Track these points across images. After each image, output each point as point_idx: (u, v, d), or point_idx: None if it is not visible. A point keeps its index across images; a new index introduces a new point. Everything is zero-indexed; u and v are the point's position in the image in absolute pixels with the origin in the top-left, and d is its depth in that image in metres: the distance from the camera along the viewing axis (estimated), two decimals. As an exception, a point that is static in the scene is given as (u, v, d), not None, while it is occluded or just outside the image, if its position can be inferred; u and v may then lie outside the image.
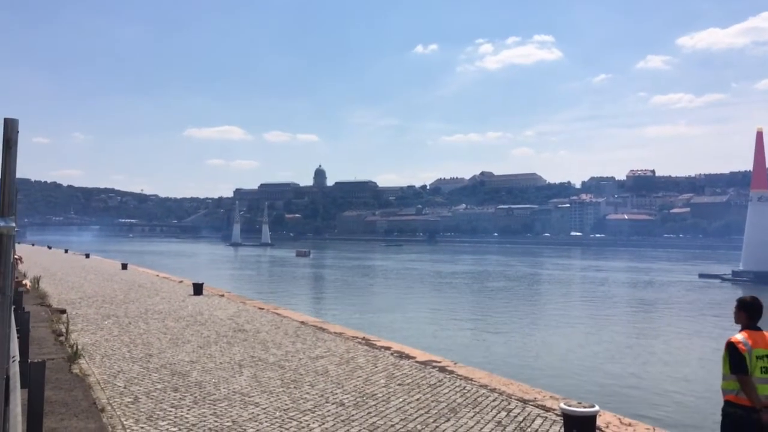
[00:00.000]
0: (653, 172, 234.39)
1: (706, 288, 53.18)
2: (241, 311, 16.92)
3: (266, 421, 6.87)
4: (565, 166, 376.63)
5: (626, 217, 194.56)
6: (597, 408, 6.02)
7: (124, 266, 35.68)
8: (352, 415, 7.18)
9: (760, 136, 62.46)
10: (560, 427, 6.60)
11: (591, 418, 5.94)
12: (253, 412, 7.20)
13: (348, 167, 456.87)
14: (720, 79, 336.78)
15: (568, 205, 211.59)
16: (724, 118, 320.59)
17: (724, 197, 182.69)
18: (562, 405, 6.09)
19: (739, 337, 4.81)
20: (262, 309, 17.56)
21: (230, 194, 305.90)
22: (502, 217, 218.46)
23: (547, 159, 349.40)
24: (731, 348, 4.76)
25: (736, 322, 5.02)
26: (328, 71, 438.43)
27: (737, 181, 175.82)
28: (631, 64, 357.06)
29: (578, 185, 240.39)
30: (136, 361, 10.00)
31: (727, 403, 4.82)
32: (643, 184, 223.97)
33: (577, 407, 5.95)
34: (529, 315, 35.07)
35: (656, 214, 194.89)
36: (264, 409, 7.36)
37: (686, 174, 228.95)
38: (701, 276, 63.20)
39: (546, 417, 7.33)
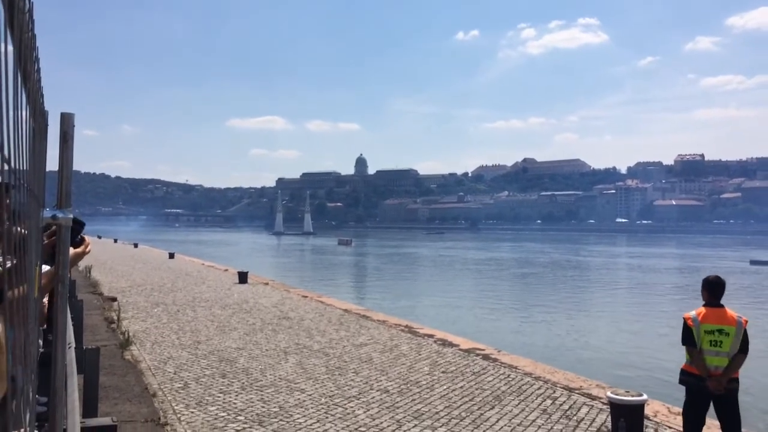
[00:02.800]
0: (702, 156, 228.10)
1: (756, 274, 51.59)
2: (285, 299, 17.15)
3: (312, 407, 6.96)
4: (610, 151, 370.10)
5: (674, 202, 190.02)
6: (645, 397, 5.94)
7: (171, 255, 36.49)
8: (397, 402, 7.22)
9: (816, 117, 60.08)
10: (607, 416, 6.52)
11: (639, 407, 5.86)
12: (299, 398, 7.31)
13: (389, 156, 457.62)
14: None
15: (613, 191, 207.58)
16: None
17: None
18: (609, 394, 6.01)
19: (692, 313, 5.32)
20: (306, 297, 17.76)
21: (272, 184, 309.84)
22: (545, 204, 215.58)
23: (592, 144, 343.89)
24: (683, 323, 5.32)
25: (704, 299, 5.44)
26: (369, 60, 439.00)
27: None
28: (679, 46, 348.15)
29: (624, 171, 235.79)
30: (185, 347, 10.24)
31: (682, 371, 5.38)
32: (692, 169, 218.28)
33: (625, 396, 5.87)
34: (572, 302, 34.59)
35: (706, 199, 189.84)
36: (309, 395, 7.47)
37: (737, 158, 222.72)
38: (752, 263, 61.28)
39: (592, 405, 7.25)
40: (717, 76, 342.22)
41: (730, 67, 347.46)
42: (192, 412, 6.73)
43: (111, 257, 36.34)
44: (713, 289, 5.38)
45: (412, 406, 7.08)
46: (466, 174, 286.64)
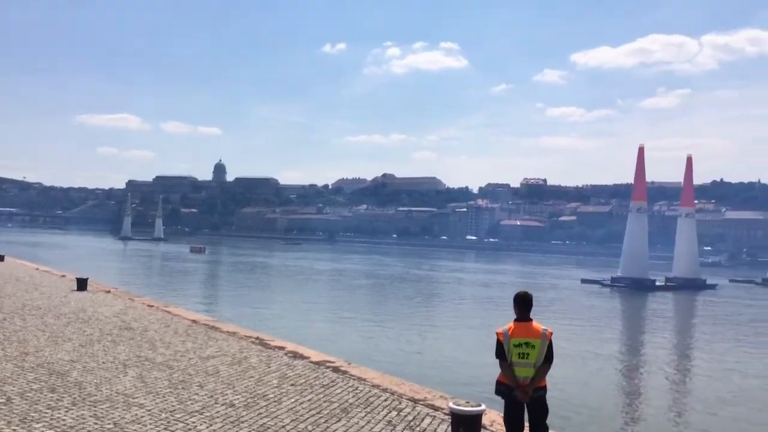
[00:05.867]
0: (545, 180, 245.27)
1: (585, 292, 56.27)
2: (129, 308, 16.22)
3: (151, 423, 6.61)
4: (464, 171, 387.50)
5: (518, 223, 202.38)
6: (483, 407, 6.20)
7: (0, 258, 33.27)
8: (242, 416, 7.05)
9: (641, 151, 66.95)
10: (448, 426, 6.77)
11: (477, 417, 6.12)
12: (136, 414, 6.91)
13: (250, 163, 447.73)
14: (609, 96, 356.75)
15: (465, 209, 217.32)
16: (611, 132, 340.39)
17: (608, 207, 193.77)
18: (451, 404, 6.24)
19: (503, 328, 5.68)
20: (152, 306, 16.90)
21: (122, 185, 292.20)
22: (402, 219, 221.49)
23: (448, 163, 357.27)
24: (496, 338, 5.66)
25: (515, 313, 5.79)
26: (235, 63, 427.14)
27: (620, 192, 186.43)
28: (529, 77, 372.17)
29: (476, 191, 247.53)
30: (10, 359, 9.35)
31: (497, 382, 5.74)
32: (535, 192, 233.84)
33: (465, 406, 6.11)
34: (420, 315, 35.79)
35: (546, 221, 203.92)
36: (149, 410, 7.09)
37: (574, 184, 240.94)
38: (583, 281, 66.77)
39: (435, 416, 7.51)
40: (561, 107, 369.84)
41: (573, 100, 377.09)
42: (14, 430, 6.15)
43: (-74, 258, 32.45)
44: (523, 304, 5.74)
45: (257, 420, 6.94)
46: (326, 186, 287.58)
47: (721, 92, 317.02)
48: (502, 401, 5.86)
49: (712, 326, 39.40)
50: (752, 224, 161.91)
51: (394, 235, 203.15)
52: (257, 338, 12.51)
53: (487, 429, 6.92)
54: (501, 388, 5.71)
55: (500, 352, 5.63)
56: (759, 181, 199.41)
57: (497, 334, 5.66)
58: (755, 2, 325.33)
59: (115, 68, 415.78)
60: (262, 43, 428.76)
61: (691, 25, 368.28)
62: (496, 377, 5.74)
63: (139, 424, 6.59)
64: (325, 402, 7.86)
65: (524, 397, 5.55)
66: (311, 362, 10.35)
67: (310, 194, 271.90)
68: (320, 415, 7.26)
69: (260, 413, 7.23)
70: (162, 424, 6.63)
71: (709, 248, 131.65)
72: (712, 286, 66.70)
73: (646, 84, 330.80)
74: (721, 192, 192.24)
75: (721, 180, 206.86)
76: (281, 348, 11.53)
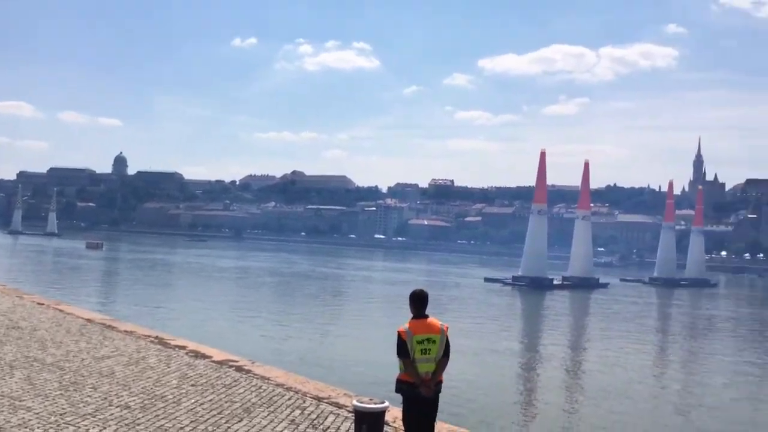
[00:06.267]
0: (452, 181, 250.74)
1: (487, 290, 58.12)
2: (17, 306, 15.25)
3: (39, 427, 6.26)
4: (374, 171, 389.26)
5: (426, 222, 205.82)
6: (387, 404, 6.26)
7: None
8: (138, 419, 6.80)
9: (543, 156, 69.81)
10: (351, 423, 6.81)
11: (380, 414, 6.18)
12: (23, 418, 6.52)
13: (153, 157, 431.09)
14: (514, 102, 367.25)
15: (374, 208, 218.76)
16: (516, 137, 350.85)
17: (511, 209, 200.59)
18: (354, 402, 6.27)
19: (405, 326, 5.72)
20: (42, 304, 15.97)
21: (13, 177, 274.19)
22: (311, 217, 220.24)
23: (359, 163, 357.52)
24: (398, 336, 5.68)
25: (412, 311, 5.86)
26: (139, 53, 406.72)
27: (522, 194, 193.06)
28: (439, 80, 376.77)
29: (385, 190, 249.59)
30: None
31: (397, 381, 5.76)
32: (443, 193, 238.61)
33: (368, 403, 6.16)
34: (325, 312, 35.82)
35: (453, 221, 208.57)
36: (37, 414, 6.70)
37: (480, 185, 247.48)
38: (486, 280, 68.93)
39: (338, 414, 7.52)
40: (469, 111, 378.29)
41: (481, 104, 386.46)
42: None
43: None
44: (419, 302, 5.83)
45: (154, 422, 6.72)
46: (233, 182, 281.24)
47: (616, 102, 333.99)
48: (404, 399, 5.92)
49: (603, 323, 41.70)
50: (641, 227, 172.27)
51: (303, 233, 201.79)
52: (156, 337, 12.09)
53: (390, 426, 7.01)
54: (403, 387, 5.71)
55: (404, 350, 5.64)
56: (648, 186, 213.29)
57: (400, 332, 5.68)
58: (647, 18, 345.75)
59: (8, 53, 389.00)
60: (168, 34, 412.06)
61: (591, 38, 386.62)
62: (396, 376, 5.74)
63: (26, 428, 6.22)
64: (226, 402, 7.71)
65: (429, 392, 5.62)
66: (213, 362, 10.12)
67: (216, 190, 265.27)
68: (221, 416, 7.11)
69: (158, 415, 7.00)
70: (51, 427, 6.29)
71: (602, 249, 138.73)
72: (605, 285, 70.54)
73: (549, 91, 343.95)
74: (614, 196, 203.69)
75: (615, 185, 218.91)
76: (182, 347, 11.19)
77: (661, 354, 31.17)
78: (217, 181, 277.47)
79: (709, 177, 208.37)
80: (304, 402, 7.98)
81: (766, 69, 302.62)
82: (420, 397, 5.64)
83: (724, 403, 19.95)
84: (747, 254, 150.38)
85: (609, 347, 30.51)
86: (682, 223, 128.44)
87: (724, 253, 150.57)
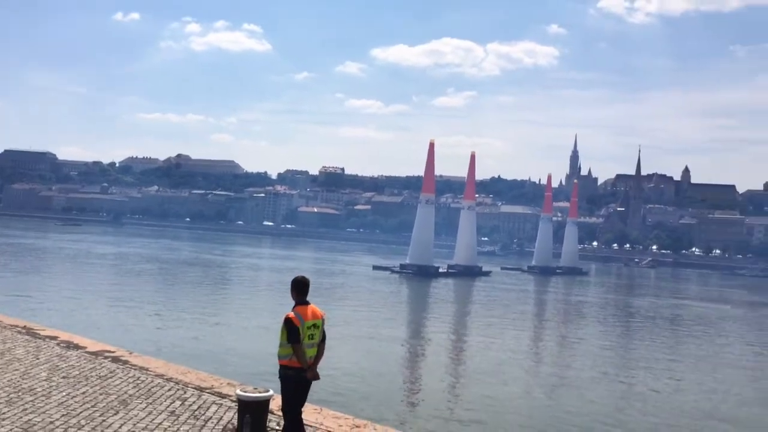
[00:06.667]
0: (343, 170, 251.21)
1: (376, 278, 58.96)
2: None
3: None
4: (264, 156, 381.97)
5: (316, 210, 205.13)
6: (271, 392, 6.24)
7: None
8: (4, 413, 6.37)
9: (432, 146, 71.50)
10: (234, 413, 6.72)
11: (264, 402, 6.15)
12: None
13: (23, 135, 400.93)
14: (405, 92, 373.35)
15: (263, 195, 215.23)
16: (406, 127, 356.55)
17: (400, 198, 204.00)
18: (238, 391, 6.20)
19: (293, 313, 5.84)
20: None
21: None
22: (196, 203, 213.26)
23: (247, 148, 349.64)
24: (289, 322, 5.77)
25: (293, 298, 6.00)
26: (7, 24, 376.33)
27: (411, 184, 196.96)
28: (331, 67, 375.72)
29: (274, 176, 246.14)
30: None
31: (283, 367, 5.85)
32: (333, 181, 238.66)
33: (252, 392, 6.11)
34: (211, 302, 35.02)
35: (342, 209, 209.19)
36: None
37: (371, 174, 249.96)
38: (375, 268, 69.86)
39: (221, 404, 7.41)
40: (361, 99, 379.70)
41: (372, 93, 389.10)
42: None
43: None
44: (302, 288, 5.97)
45: (22, 417, 6.31)
46: (113, 164, 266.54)
47: (502, 97, 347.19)
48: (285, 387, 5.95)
49: (483, 309, 43.51)
50: (522, 218, 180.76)
51: (188, 219, 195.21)
52: (24, 327, 11.33)
53: (275, 413, 6.99)
54: (289, 372, 5.77)
55: (296, 336, 5.71)
56: (529, 179, 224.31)
57: (291, 319, 5.74)
58: (532, 17, 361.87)
59: None
60: (41, 4, 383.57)
61: (479, 33, 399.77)
62: (283, 362, 5.79)
63: None
64: (101, 394, 7.37)
65: (315, 376, 5.77)
66: (88, 352, 9.63)
67: (93, 172, 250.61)
68: (95, 409, 6.79)
69: (25, 409, 6.58)
70: None
71: (486, 239, 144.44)
72: (487, 273, 73.56)
73: (438, 83, 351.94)
74: (498, 188, 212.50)
75: (499, 177, 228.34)
76: (53, 338, 10.56)
77: (536, 338, 32.98)
78: (95, 163, 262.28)
79: (584, 172, 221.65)
80: (185, 393, 7.78)
81: (637, 71, 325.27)
82: (303, 381, 5.77)
83: (585, 383, 21.43)
84: (615, 244, 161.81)
85: (488, 332, 31.92)
86: (559, 214, 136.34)
87: (595, 243, 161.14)
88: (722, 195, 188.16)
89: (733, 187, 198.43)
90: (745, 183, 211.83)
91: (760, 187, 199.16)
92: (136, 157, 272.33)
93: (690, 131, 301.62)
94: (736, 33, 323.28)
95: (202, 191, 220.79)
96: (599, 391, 20.46)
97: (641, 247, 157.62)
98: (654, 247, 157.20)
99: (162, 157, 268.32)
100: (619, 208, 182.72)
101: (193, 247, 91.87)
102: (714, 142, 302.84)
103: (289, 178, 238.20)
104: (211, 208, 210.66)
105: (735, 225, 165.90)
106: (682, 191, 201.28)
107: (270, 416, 6.51)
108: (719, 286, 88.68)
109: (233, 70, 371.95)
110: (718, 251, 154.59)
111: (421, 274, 64.08)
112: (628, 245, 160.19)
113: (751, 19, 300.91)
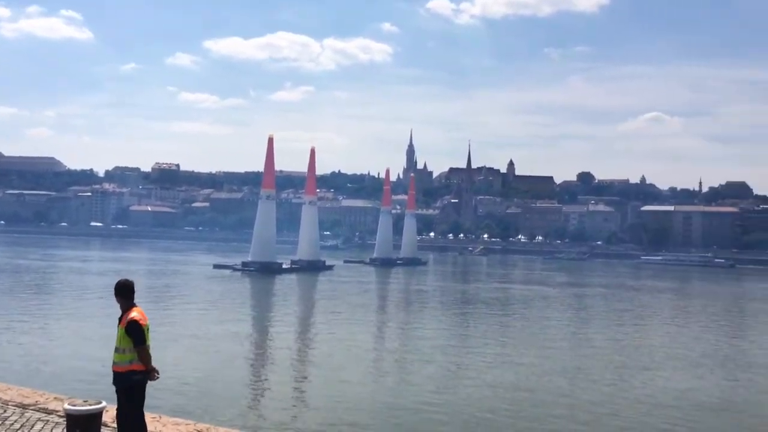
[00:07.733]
0: (178, 166, 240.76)
1: (216, 277, 57.41)
2: None
3: None
4: (89, 152, 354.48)
5: (150, 209, 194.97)
6: (104, 404, 5.93)
7: None
8: None
9: (271, 141, 70.76)
10: (63, 429, 6.32)
11: (96, 415, 5.83)
12: None
13: None
14: (241, 86, 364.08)
15: (89, 194, 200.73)
16: (243, 121, 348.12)
17: (240, 194, 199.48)
18: (66, 405, 5.83)
19: (137, 315, 5.83)
20: None
21: None
22: (12, 203, 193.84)
23: (69, 143, 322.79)
24: (136, 325, 5.74)
25: (119, 303, 5.94)
26: None
27: (251, 180, 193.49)
28: (161, 59, 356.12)
29: (102, 174, 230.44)
30: None
31: (127, 373, 5.79)
32: (168, 177, 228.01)
33: (82, 405, 5.77)
34: (27, 311, 32.23)
35: (179, 207, 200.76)
36: None
37: (208, 170, 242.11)
38: (215, 266, 67.91)
39: (48, 420, 6.92)
40: (195, 93, 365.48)
41: (207, 87, 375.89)
42: None
43: None
44: (127, 293, 5.91)
45: None
46: None
47: (338, 92, 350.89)
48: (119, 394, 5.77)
49: (327, 302, 44.08)
50: (363, 211, 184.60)
51: (2, 222, 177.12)
52: None
53: (109, 426, 6.65)
54: (137, 376, 5.72)
55: (143, 338, 5.68)
56: (369, 173, 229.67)
57: (138, 321, 5.69)
58: (366, 15, 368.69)
59: None
60: None
61: (315, 28, 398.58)
62: (124, 369, 5.70)
63: None
64: None
65: (157, 375, 5.79)
66: None
67: None
68: None
69: None
70: None
71: (328, 233, 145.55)
72: (330, 267, 74.33)
73: (275, 78, 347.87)
74: (338, 182, 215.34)
75: (339, 171, 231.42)
76: None
77: (378, 328, 33.99)
78: None
79: (420, 166, 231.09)
80: (5, 411, 7.17)
81: (464, 69, 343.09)
82: (144, 384, 5.76)
83: (419, 367, 22.55)
84: (450, 234, 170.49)
85: (332, 326, 32.43)
86: (398, 207, 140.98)
87: (432, 234, 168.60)
88: (542, 186, 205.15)
89: (551, 178, 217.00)
90: (561, 174, 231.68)
91: (574, 178, 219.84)
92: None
93: (512, 127, 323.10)
94: (549, 37, 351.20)
95: (18, 191, 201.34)
96: (429, 372, 21.66)
97: (474, 236, 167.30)
98: (485, 235, 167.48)
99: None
100: (452, 200, 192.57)
101: (5, 251, 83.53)
102: (533, 137, 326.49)
103: (118, 175, 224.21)
104: (28, 209, 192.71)
105: (554, 213, 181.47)
106: (508, 183, 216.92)
107: (103, 429, 6.20)
108: (541, 270, 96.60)
109: (50, 60, 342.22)
110: (540, 237, 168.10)
111: (264, 270, 63.35)
112: (462, 235, 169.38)
113: (562, 23, 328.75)
